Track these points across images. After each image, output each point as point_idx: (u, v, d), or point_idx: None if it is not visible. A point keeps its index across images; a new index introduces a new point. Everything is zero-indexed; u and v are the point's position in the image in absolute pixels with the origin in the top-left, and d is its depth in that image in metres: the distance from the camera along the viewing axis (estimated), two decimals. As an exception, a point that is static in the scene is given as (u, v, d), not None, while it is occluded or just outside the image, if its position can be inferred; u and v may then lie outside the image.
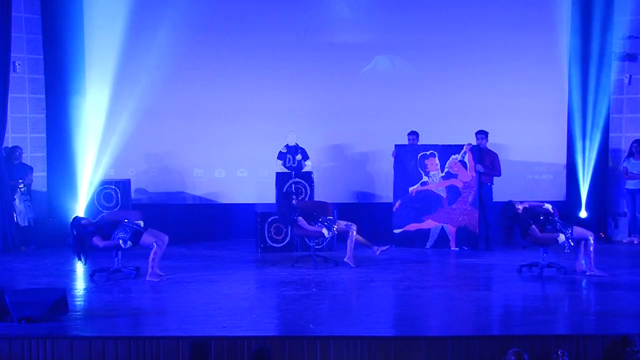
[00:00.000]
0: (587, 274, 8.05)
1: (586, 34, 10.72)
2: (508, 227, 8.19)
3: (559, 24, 10.86)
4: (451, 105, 10.69)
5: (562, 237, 7.99)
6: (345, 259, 8.76)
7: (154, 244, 7.97)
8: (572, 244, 8.05)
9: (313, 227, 8.83)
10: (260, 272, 8.77)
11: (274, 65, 10.72)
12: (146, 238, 8.01)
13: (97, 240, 7.94)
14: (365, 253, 9.64)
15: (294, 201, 8.93)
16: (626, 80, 10.71)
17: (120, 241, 7.93)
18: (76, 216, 8.35)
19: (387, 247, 9.19)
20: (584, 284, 7.85)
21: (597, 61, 10.73)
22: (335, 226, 8.89)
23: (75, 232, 7.92)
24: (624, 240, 10.45)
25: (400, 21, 10.81)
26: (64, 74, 10.46)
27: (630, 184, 10.42)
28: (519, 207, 8.14)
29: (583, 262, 8.11)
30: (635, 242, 10.32)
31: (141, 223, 8.16)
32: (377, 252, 9.02)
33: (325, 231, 8.84)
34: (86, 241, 7.97)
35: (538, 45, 10.81)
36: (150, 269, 7.96)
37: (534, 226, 8.04)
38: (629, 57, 10.65)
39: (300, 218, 8.78)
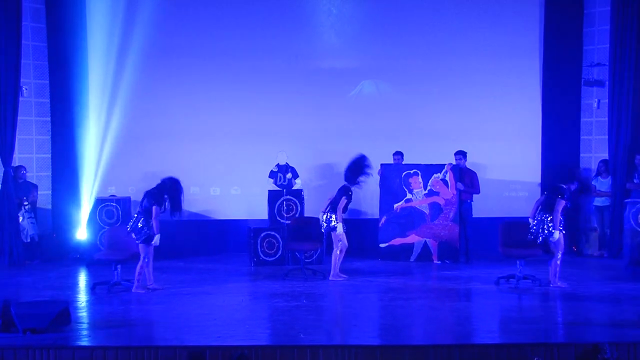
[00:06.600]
0: (551, 285, 8.08)
1: (557, 61, 10.83)
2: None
3: (532, 52, 10.98)
4: (433, 127, 10.75)
5: (557, 234, 7.99)
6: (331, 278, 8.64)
7: (145, 258, 7.92)
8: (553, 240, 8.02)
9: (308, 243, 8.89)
10: (253, 284, 8.76)
11: (266, 89, 10.76)
12: (146, 248, 7.94)
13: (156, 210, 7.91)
14: (353, 265, 9.66)
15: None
16: (595, 105, 10.83)
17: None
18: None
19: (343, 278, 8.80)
20: (557, 295, 7.88)
21: (568, 86, 10.86)
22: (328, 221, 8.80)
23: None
24: (595, 254, 10.49)
25: (385, 48, 10.88)
26: (68, 98, 10.46)
27: (598, 201, 10.47)
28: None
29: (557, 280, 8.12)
30: (604, 255, 10.36)
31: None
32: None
33: (340, 226, 8.66)
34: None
35: (513, 71, 10.91)
36: (136, 282, 7.91)
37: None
38: (597, 83, 10.77)
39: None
